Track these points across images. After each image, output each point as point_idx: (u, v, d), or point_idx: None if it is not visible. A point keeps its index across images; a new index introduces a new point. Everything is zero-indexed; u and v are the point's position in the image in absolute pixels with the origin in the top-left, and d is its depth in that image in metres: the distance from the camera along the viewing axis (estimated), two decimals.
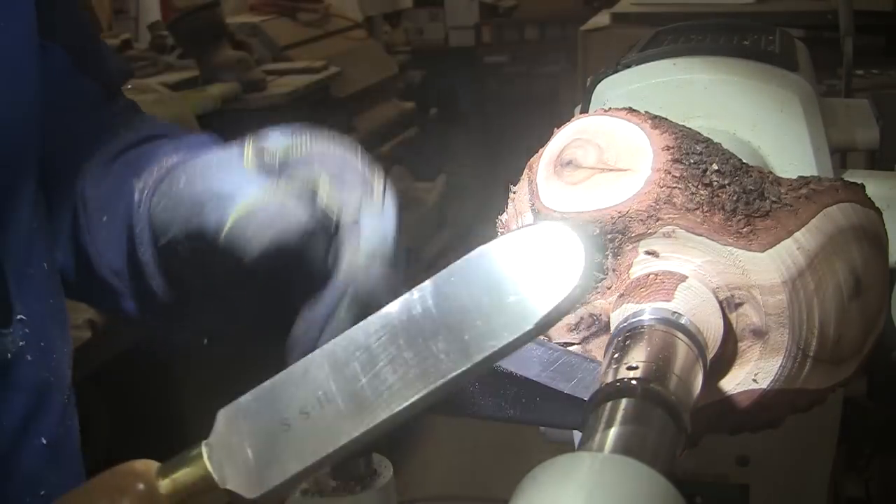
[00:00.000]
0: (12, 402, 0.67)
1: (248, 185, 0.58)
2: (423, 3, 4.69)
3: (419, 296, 0.43)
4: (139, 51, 2.60)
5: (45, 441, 0.70)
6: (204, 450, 0.46)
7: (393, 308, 0.44)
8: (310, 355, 0.45)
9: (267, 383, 0.46)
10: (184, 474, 0.46)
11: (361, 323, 0.44)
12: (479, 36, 4.94)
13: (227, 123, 2.25)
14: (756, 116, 0.72)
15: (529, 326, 0.41)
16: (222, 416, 0.46)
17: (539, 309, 0.40)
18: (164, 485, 0.45)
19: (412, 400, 0.42)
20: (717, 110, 0.72)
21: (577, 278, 0.40)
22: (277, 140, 0.62)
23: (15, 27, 0.66)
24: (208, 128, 2.03)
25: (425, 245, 3.43)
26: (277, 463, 0.44)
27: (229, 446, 0.46)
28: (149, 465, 0.46)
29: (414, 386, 0.42)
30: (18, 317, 0.67)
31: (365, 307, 0.53)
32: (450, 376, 0.41)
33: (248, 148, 0.61)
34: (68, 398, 0.75)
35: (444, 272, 0.43)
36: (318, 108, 2.57)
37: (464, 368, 0.41)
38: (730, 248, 0.50)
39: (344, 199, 0.58)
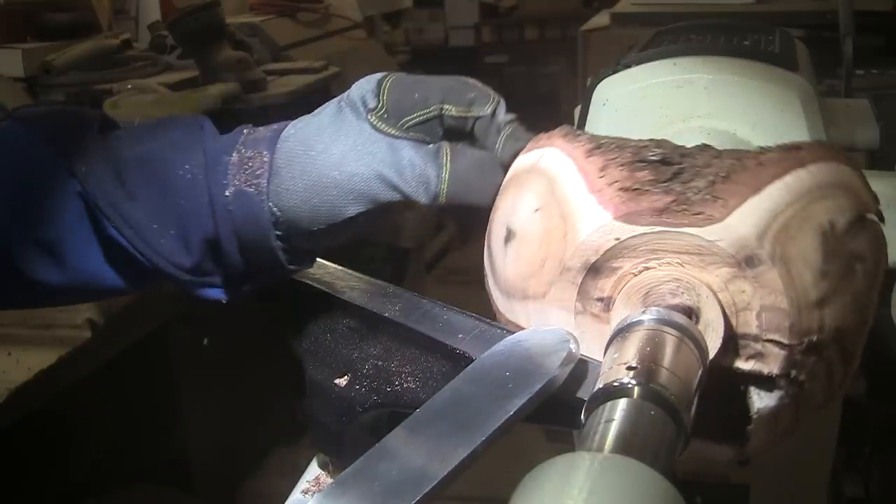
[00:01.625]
0: None
1: (411, 147, 0.61)
2: (423, 3, 4.69)
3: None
4: (139, 51, 2.60)
5: None
6: None
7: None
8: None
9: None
10: None
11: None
12: (479, 36, 4.94)
13: (227, 123, 2.24)
14: (756, 116, 0.72)
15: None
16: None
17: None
18: None
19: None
20: (717, 110, 0.72)
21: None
22: (369, 89, 0.64)
23: None
24: None
25: (425, 245, 3.43)
26: None
27: None
28: None
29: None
30: None
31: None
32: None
33: (350, 108, 0.64)
34: None
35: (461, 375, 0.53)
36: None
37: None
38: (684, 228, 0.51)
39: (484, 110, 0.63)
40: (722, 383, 0.52)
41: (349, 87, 0.66)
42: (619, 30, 2.12)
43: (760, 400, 0.52)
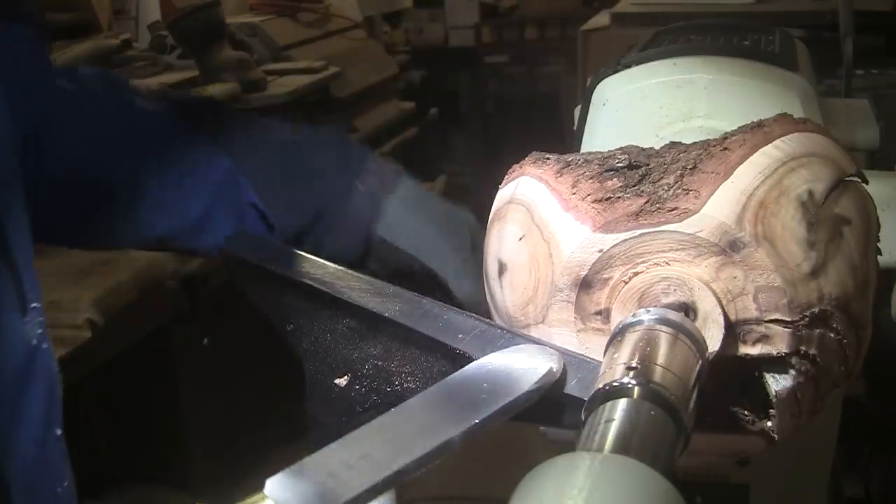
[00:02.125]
0: (37, 393, 0.72)
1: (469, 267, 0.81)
2: (423, 3, 4.69)
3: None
4: (139, 51, 2.60)
5: (59, 432, 0.74)
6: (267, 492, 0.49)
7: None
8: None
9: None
10: None
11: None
12: (479, 36, 4.93)
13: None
14: (756, 116, 0.72)
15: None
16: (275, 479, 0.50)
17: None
18: None
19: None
20: (717, 110, 0.72)
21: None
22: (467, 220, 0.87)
23: None
24: None
25: None
26: (329, 495, 0.48)
27: (285, 490, 0.49)
28: None
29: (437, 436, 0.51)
30: (32, 305, 0.71)
31: None
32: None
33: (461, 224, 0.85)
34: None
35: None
36: (318, 108, 2.57)
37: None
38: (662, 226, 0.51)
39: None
40: (735, 373, 0.52)
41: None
42: (619, 30, 2.12)
43: (776, 382, 0.52)
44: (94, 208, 0.83)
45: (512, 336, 0.57)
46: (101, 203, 0.83)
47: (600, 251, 0.52)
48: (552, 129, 3.77)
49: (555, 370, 0.52)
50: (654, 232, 0.51)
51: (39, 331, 0.72)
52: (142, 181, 0.82)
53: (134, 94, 0.86)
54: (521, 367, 0.53)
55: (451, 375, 0.56)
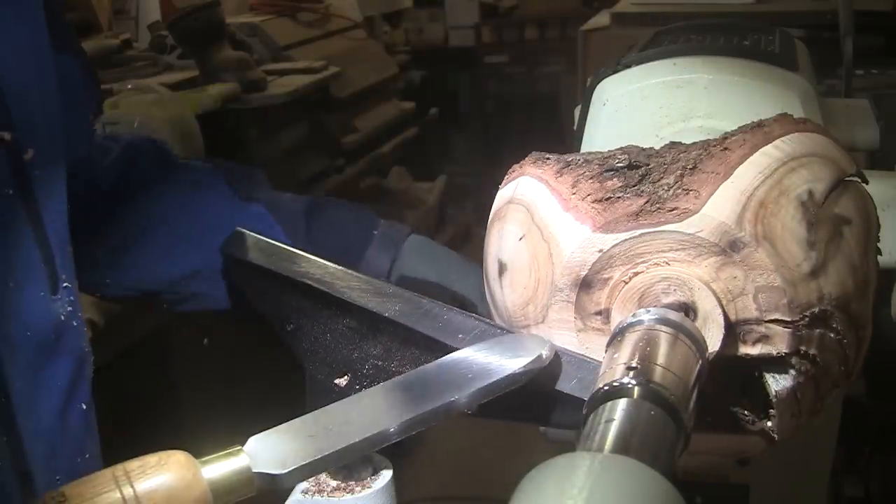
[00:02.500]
0: (62, 364, 0.74)
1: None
2: (423, 3, 4.69)
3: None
4: (139, 51, 2.60)
5: (84, 406, 0.78)
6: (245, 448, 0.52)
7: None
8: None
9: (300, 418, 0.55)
10: (222, 464, 0.51)
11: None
12: (479, 36, 4.93)
13: (227, 123, 2.24)
14: (756, 116, 0.72)
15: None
16: (257, 437, 0.54)
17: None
18: (205, 469, 0.50)
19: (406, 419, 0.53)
20: (717, 110, 0.72)
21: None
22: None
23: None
24: (208, 128, 2.03)
25: None
26: (302, 452, 0.51)
27: (263, 447, 0.53)
28: (188, 456, 0.51)
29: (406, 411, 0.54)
30: (64, 285, 0.74)
31: None
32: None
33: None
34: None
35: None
36: (318, 108, 2.57)
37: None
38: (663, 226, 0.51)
39: None
40: (735, 373, 0.52)
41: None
42: (619, 30, 2.11)
43: (776, 382, 0.52)
44: (126, 242, 0.92)
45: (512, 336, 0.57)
46: (135, 239, 0.92)
47: (600, 251, 0.52)
48: (552, 129, 3.77)
49: (544, 357, 0.53)
50: (654, 232, 0.51)
51: (69, 309, 0.75)
52: (174, 222, 0.91)
53: (171, 151, 0.98)
54: (510, 352, 0.54)
55: (442, 357, 0.56)
